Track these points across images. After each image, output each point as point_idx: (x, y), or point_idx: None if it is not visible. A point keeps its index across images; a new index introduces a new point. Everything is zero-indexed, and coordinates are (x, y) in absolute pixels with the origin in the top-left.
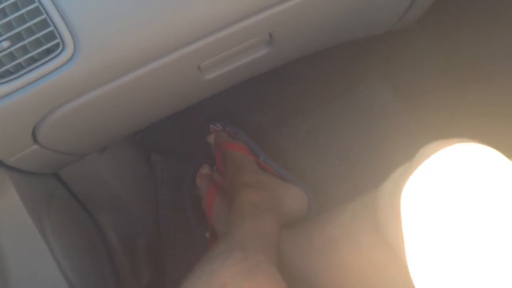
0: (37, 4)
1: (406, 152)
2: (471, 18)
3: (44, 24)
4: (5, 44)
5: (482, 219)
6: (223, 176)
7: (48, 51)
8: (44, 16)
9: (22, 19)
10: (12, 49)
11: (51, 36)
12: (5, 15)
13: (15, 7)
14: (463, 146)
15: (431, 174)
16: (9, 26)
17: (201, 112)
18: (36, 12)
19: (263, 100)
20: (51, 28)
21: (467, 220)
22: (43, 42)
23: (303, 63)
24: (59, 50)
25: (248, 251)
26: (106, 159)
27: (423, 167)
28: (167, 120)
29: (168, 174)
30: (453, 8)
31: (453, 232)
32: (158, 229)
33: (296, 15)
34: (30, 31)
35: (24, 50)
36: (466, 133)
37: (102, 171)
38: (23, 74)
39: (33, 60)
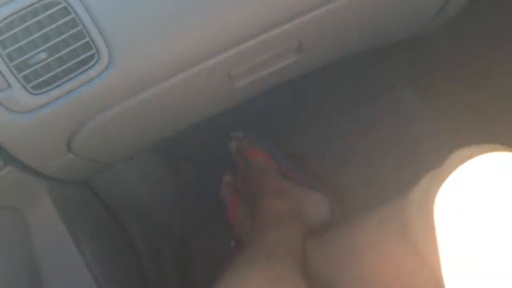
0: (73, 15)
1: (431, 157)
2: (502, 24)
3: (80, 35)
4: (43, 55)
5: None
6: (245, 183)
7: (84, 62)
8: (80, 27)
9: (58, 31)
10: (49, 60)
11: (86, 47)
12: (42, 27)
13: (51, 18)
14: (495, 153)
15: (464, 182)
16: (45, 37)
17: (224, 118)
18: (72, 23)
19: (286, 106)
20: (87, 39)
21: (503, 231)
22: (78, 53)
23: (326, 70)
24: (94, 61)
25: (273, 260)
26: (132, 166)
27: (455, 174)
28: (192, 126)
29: (193, 181)
30: (483, 13)
31: (488, 243)
32: (184, 237)
33: (324, 23)
34: (66, 42)
35: (60, 61)
36: (494, 140)
37: (129, 178)
38: (59, 85)
39: (69, 70)
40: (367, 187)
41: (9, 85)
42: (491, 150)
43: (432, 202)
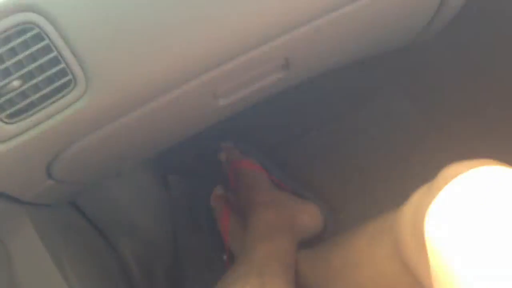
0: (47, 41)
1: (425, 165)
2: (491, 33)
3: (55, 61)
4: (16, 83)
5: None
6: (236, 194)
7: (60, 88)
8: (55, 53)
9: (32, 57)
10: (23, 88)
11: (62, 73)
12: (15, 54)
13: (24, 45)
14: (486, 170)
15: (454, 200)
16: (19, 64)
17: (213, 130)
18: (47, 49)
19: (276, 115)
20: (62, 65)
21: (495, 249)
22: (54, 79)
23: (317, 77)
24: (71, 87)
25: (265, 276)
26: (120, 182)
27: (445, 192)
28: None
29: (183, 194)
30: (473, 22)
31: (480, 262)
32: (176, 252)
33: (312, 39)
34: (41, 69)
35: (36, 88)
36: (486, 147)
37: (118, 194)
38: (35, 113)
39: (45, 97)
40: (359, 195)
41: None
42: (481, 167)
43: (423, 221)
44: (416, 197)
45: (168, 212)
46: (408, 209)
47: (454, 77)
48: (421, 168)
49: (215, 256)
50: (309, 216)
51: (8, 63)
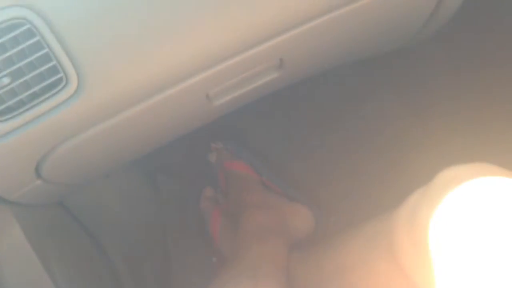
0: (38, 37)
1: (417, 167)
2: (484, 36)
3: (46, 58)
4: (6, 80)
5: (507, 254)
6: (227, 196)
7: (51, 86)
8: (46, 50)
9: (23, 54)
10: (13, 85)
11: (53, 70)
12: (5, 50)
13: (15, 41)
14: (482, 174)
15: (451, 204)
16: (9, 61)
17: (204, 130)
18: (38, 45)
19: (267, 116)
20: (54, 62)
21: (491, 256)
22: (45, 77)
23: (309, 79)
24: (62, 85)
25: (258, 277)
26: (109, 182)
27: (442, 196)
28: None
29: (173, 195)
30: (470, 21)
31: (476, 267)
32: (165, 253)
33: (307, 40)
34: (31, 66)
35: (26, 85)
36: (481, 150)
37: (106, 195)
38: (25, 111)
39: (35, 95)
40: (351, 198)
41: None
42: (479, 171)
43: (419, 224)
44: (412, 199)
45: (157, 212)
46: (404, 211)
47: (448, 79)
48: (414, 171)
49: (205, 258)
50: (300, 218)
51: None
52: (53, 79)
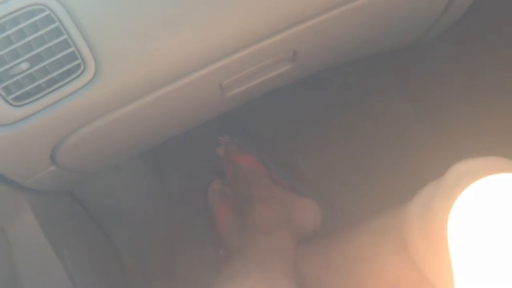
0: (57, 24)
1: (422, 165)
2: (495, 35)
3: (64, 44)
4: (24, 65)
5: None
6: (233, 189)
7: (69, 72)
8: (65, 36)
9: (41, 40)
10: (31, 70)
11: (72, 56)
12: (24, 36)
13: (34, 27)
14: (498, 168)
15: (465, 197)
16: (28, 47)
17: (211, 123)
18: (57, 32)
19: (274, 111)
20: (72, 48)
21: (504, 249)
22: (63, 63)
23: (316, 75)
24: (80, 71)
25: (266, 270)
26: (118, 174)
27: (455, 189)
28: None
29: (180, 188)
30: (474, 24)
31: (491, 259)
32: (172, 245)
33: (320, 33)
34: (49, 52)
35: (44, 71)
36: (486, 145)
37: (115, 187)
38: (42, 96)
39: (53, 81)
40: (358, 192)
41: None
42: (492, 164)
43: (432, 217)
44: (425, 193)
45: (164, 206)
46: (416, 205)
47: (452, 76)
48: (419, 168)
49: (211, 250)
50: (307, 212)
51: (17, 44)
52: (71, 65)
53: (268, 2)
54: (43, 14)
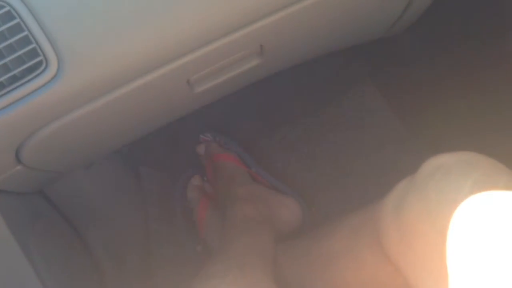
0: (18, 20)
1: (397, 160)
2: (462, 28)
3: (26, 41)
4: None
5: (491, 238)
6: (214, 187)
7: (31, 69)
8: (26, 32)
9: (2, 36)
10: None
11: (33, 53)
12: None
13: None
14: (467, 160)
15: (438, 192)
16: None
17: (190, 122)
18: (17, 28)
19: (252, 109)
20: (34, 45)
21: (477, 240)
22: (24, 60)
23: (291, 71)
24: (42, 68)
25: (246, 268)
26: (91, 174)
27: (428, 183)
28: (155, 130)
29: (157, 186)
30: (446, 17)
31: (466, 255)
32: (148, 244)
33: (286, 26)
34: (11, 49)
35: (5, 68)
36: (457, 139)
37: (88, 186)
38: (4, 94)
39: (15, 79)
40: (333, 189)
41: None
42: (465, 159)
43: (405, 210)
44: (399, 188)
45: (139, 203)
46: (391, 199)
47: (426, 69)
48: (393, 163)
49: (189, 248)
50: (287, 210)
51: None
52: (33, 62)
53: None
54: (3, 10)
